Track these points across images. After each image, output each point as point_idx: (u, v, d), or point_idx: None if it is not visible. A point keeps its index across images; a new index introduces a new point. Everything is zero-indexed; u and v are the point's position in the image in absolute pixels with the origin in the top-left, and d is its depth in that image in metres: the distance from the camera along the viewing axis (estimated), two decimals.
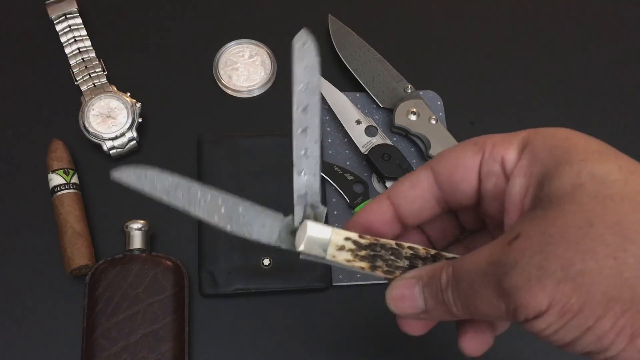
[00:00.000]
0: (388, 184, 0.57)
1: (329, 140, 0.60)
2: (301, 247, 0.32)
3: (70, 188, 0.54)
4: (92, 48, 0.61)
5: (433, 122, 0.59)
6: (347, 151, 0.59)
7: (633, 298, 0.26)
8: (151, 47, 0.63)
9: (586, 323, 0.26)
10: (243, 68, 0.62)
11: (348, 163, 0.59)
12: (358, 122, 0.59)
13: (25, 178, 0.57)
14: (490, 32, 0.66)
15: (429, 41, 0.65)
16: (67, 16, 0.61)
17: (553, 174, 0.28)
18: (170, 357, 0.48)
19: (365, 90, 0.61)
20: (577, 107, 0.63)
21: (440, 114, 0.61)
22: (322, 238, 0.32)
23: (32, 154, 0.57)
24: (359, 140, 0.58)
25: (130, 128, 0.57)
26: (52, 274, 0.53)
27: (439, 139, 0.58)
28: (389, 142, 0.58)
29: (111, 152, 0.57)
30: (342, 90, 0.60)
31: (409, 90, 0.61)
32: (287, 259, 0.54)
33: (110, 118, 0.57)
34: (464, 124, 0.61)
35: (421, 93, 0.61)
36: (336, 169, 0.58)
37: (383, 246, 0.32)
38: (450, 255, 0.34)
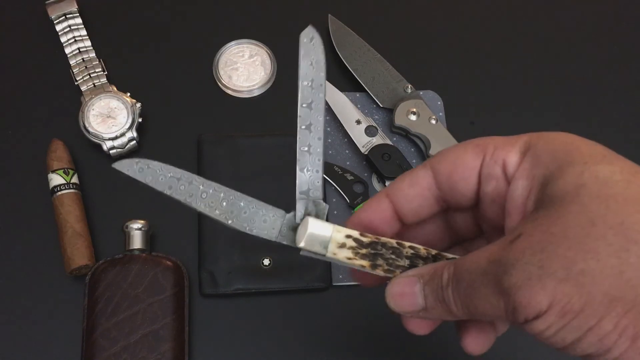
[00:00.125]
0: (388, 184, 0.57)
1: (329, 140, 0.60)
2: (302, 244, 0.32)
3: (70, 188, 0.54)
4: (92, 48, 0.61)
5: (433, 122, 0.59)
6: (347, 151, 0.59)
7: (635, 298, 0.25)
8: (151, 47, 0.63)
9: (587, 323, 0.26)
10: (243, 68, 0.62)
11: (348, 163, 0.59)
12: (358, 122, 0.59)
13: (25, 178, 0.57)
14: (490, 32, 0.66)
15: (429, 41, 0.65)
16: (67, 16, 0.61)
17: (556, 175, 0.28)
18: (170, 357, 0.48)
19: (365, 90, 0.61)
20: (577, 107, 0.63)
21: (440, 114, 0.61)
22: (323, 235, 0.32)
23: (32, 154, 0.57)
24: (359, 140, 0.58)
25: (130, 128, 0.57)
26: (52, 274, 0.53)
27: (439, 139, 0.58)
28: (389, 142, 0.58)
29: (111, 152, 0.57)
30: (342, 90, 0.60)
31: (409, 90, 0.61)
32: (287, 259, 0.54)
33: (110, 118, 0.57)
34: (464, 124, 0.61)
35: (421, 93, 0.61)
36: (336, 169, 0.58)
37: (384, 245, 0.32)
38: (451, 255, 0.34)
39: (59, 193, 0.54)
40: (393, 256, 0.32)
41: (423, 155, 0.59)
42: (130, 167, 0.33)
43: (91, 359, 0.48)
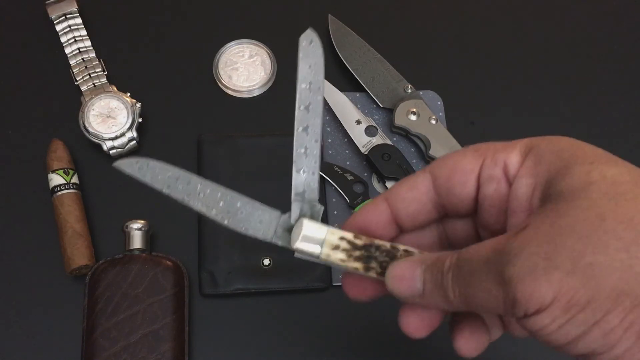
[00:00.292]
0: (388, 184, 0.57)
1: (329, 140, 0.60)
2: (296, 245, 0.32)
3: (70, 188, 0.54)
4: (92, 48, 0.61)
5: (433, 122, 0.59)
6: (347, 151, 0.59)
7: None
8: (151, 47, 0.63)
9: (593, 317, 0.25)
10: (243, 68, 0.62)
11: (348, 163, 0.59)
12: (358, 122, 0.59)
13: (25, 178, 0.57)
14: (490, 32, 0.66)
15: (429, 41, 0.65)
16: (67, 16, 0.61)
17: (562, 173, 0.28)
18: (170, 357, 0.48)
19: (365, 90, 0.61)
20: (578, 107, 0.63)
21: (440, 114, 0.61)
22: (317, 237, 0.32)
23: (32, 154, 0.57)
24: (359, 140, 0.58)
25: (130, 128, 0.57)
26: (52, 274, 0.53)
27: (439, 139, 0.58)
28: (389, 142, 0.58)
29: (111, 152, 0.57)
30: (342, 90, 0.60)
31: (409, 90, 0.61)
32: (287, 259, 0.54)
33: (110, 118, 0.57)
34: (464, 124, 0.61)
35: (421, 93, 0.61)
36: (336, 169, 0.58)
37: (378, 247, 0.32)
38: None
39: (59, 193, 0.54)
40: (387, 259, 0.32)
41: (423, 155, 0.59)
42: (130, 166, 0.34)
43: (91, 359, 0.48)
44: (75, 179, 0.55)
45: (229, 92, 0.62)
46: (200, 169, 0.57)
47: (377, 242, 0.32)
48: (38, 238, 0.54)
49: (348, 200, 0.57)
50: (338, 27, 0.63)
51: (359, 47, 0.62)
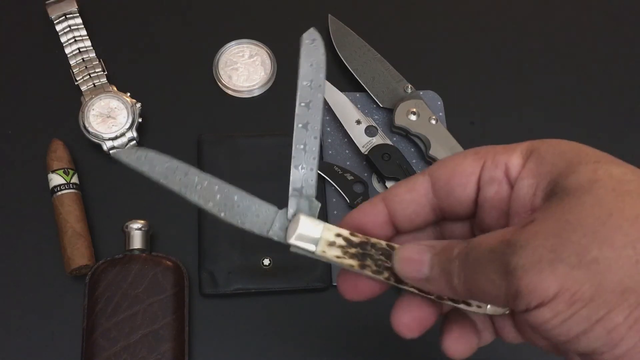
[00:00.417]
0: (388, 184, 0.57)
1: (329, 140, 0.60)
2: (291, 240, 0.32)
3: (70, 188, 0.54)
4: (92, 48, 0.61)
5: (433, 122, 0.59)
6: (347, 151, 0.59)
7: None
8: (151, 47, 0.63)
9: (597, 313, 0.25)
10: (243, 68, 0.62)
11: (348, 163, 0.59)
12: (358, 122, 0.59)
13: (25, 178, 0.57)
14: (490, 33, 0.66)
15: (429, 41, 0.65)
16: (67, 16, 0.61)
17: (567, 172, 0.28)
18: (170, 357, 0.48)
19: (365, 90, 0.61)
20: (577, 107, 0.63)
21: (440, 114, 0.61)
22: (313, 233, 0.32)
23: (32, 154, 0.57)
24: (359, 140, 0.58)
25: (130, 128, 0.57)
26: (52, 274, 0.53)
27: (439, 139, 0.58)
28: (389, 142, 0.58)
29: (111, 152, 0.57)
30: (342, 90, 0.60)
31: (409, 90, 0.61)
32: (287, 259, 0.54)
33: (110, 118, 0.57)
34: (464, 124, 0.61)
35: (421, 93, 0.61)
36: (336, 169, 0.58)
37: (374, 245, 0.32)
38: None
39: (59, 193, 0.54)
40: (382, 257, 0.32)
41: (423, 155, 0.59)
42: (128, 156, 0.33)
43: (91, 359, 0.48)
44: (75, 179, 0.55)
45: (229, 92, 0.62)
46: (200, 169, 0.57)
47: (373, 240, 0.32)
48: (38, 238, 0.54)
49: (348, 200, 0.57)
50: (338, 27, 0.63)
51: (359, 47, 0.62)
